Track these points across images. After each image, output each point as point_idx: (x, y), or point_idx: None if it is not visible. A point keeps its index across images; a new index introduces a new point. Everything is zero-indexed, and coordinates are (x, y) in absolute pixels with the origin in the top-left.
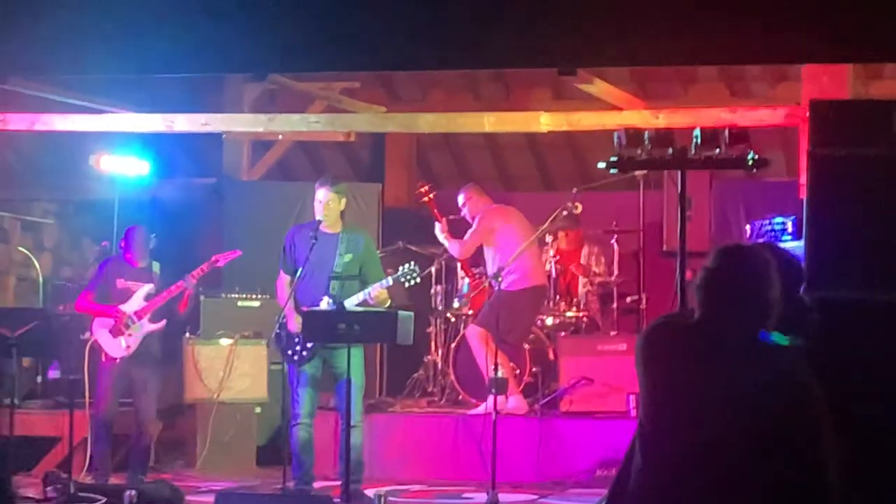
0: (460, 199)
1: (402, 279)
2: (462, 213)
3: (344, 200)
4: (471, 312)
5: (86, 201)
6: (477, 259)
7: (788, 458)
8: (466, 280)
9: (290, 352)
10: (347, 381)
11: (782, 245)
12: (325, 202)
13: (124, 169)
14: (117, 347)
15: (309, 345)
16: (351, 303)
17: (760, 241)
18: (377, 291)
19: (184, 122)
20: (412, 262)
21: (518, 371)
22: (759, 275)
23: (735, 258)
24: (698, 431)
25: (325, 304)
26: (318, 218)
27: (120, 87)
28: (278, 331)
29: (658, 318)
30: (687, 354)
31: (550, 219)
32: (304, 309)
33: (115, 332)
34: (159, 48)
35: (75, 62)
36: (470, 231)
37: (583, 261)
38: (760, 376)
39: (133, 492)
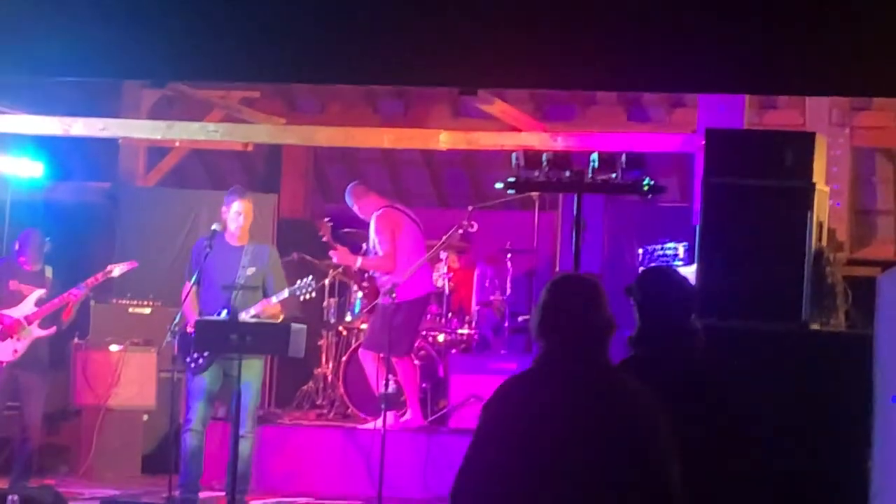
0: (348, 199)
1: (298, 292)
2: (354, 212)
3: (253, 213)
4: (363, 327)
5: None
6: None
7: (635, 471)
8: (359, 294)
9: (187, 359)
10: (237, 391)
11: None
12: (244, 213)
13: (17, 170)
14: (5, 351)
15: (206, 353)
16: (246, 314)
17: (653, 265)
18: (264, 306)
19: (81, 127)
20: (309, 276)
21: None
22: (588, 300)
23: (565, 287)
24: (547, 467)
25: (224, 314)
26: (232, 230)
27: (14, 87)
28: (177, 336)
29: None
30: (535, 394)
31: (446, 236)
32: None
33: (3, 335)
34: (53, 50)
35: None
36: (378, 239)
37: (475, 288)
38: (608, 398)
39: (16, 497)
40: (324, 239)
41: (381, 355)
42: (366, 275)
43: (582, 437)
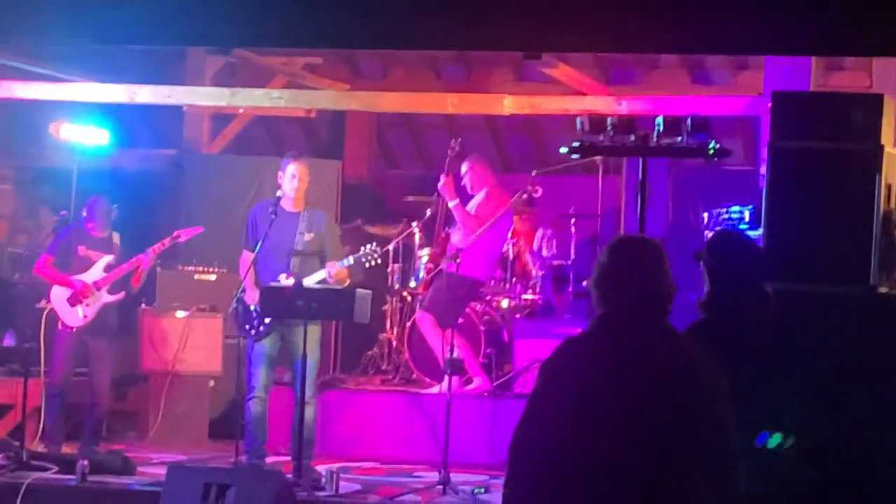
0: (464, 167)
1: (364, 259)
2: (462, 182)
3: (308, 177)
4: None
5: (44, 169)
6: (433, 237)
7: (691, 434)
8: (424, 259)
9: (247, 326)
10: (303, 358)
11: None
12: (300, 177)
13: (84, 138)
14: (74, 317)
15: (266, 320)
16: (310, 280)
17: (722, 228)
18: (336, 270)
19: (147, 94)
20: (374, 243)
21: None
22: (648, 262)
23: (627, 251)
24: (605, 425)
25: (283, 280)
26: (288, 193)
27: (80, 56)
28: (236, 305)
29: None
30: (593, 354)
31: (511, 201)
32: (263, 285)
33: (73, 301)
34: (120, 18)
35: (35, 29)
36: (480, 205)
37: (535, 244)
38: (665, 360)
39: (85, 462)
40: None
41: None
42: (443, 234)
43: (638, 397)
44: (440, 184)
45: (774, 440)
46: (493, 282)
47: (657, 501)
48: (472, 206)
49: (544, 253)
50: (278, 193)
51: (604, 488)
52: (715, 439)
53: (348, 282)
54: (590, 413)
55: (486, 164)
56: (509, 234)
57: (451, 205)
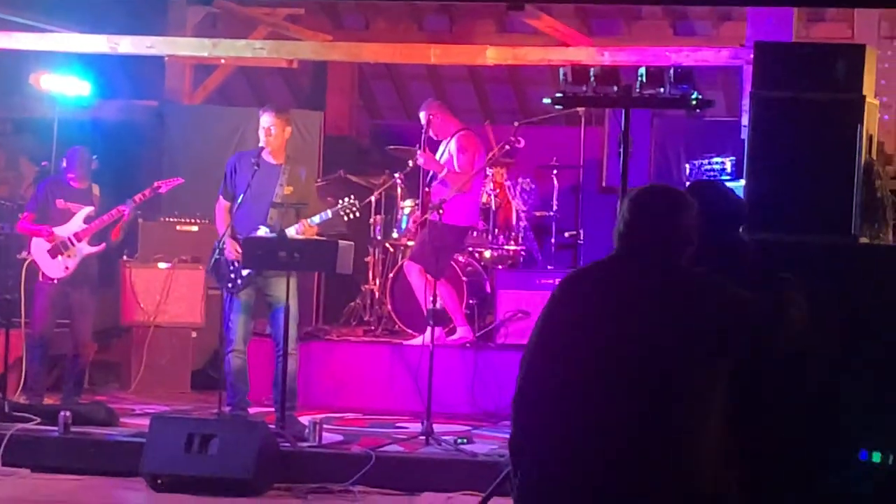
0: (423, 115)
1: (342, 213)
2: (427, 132)
3: (289, 129)
4: (410, 244)
5: (24, 120)
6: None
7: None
8: (406, 210)
9: (224, 280)
10: (285, 309)
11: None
12: (269, 128)
13: (65, 89)
14: (56, 268)
15: (244, 272)
16: (290, 232)
17: (705, 179)
18: (304, 228)
19: (128, 45)
20: (351, 196)
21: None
22: (669, 211)
23: (644, 198)
24: (615, 356)
25: (262, 232)
26: (261, 145)
27: (62, 6)
28: (217, 257)
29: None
30: (606, 287)
31: (493, 152)
32: (241, 236)
33: (54, 252)
34: None
35: None
36: (460, 158)
37: (518, 196)
38: (683, 299)
39: (67, 412)
40: (419, 161)
41: (424, 271)
42: (426, 189)
43: (644, 333)
44: (420, 161)
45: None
46: (475, 233)
47: (659, 440)
48: (448, 155)
49: (520, 206)
50: (261, 144)
51: (614, 421)
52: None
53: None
54: (599, 345)
55: (444, 107)
56: (491, 186)
57: (441, 175)
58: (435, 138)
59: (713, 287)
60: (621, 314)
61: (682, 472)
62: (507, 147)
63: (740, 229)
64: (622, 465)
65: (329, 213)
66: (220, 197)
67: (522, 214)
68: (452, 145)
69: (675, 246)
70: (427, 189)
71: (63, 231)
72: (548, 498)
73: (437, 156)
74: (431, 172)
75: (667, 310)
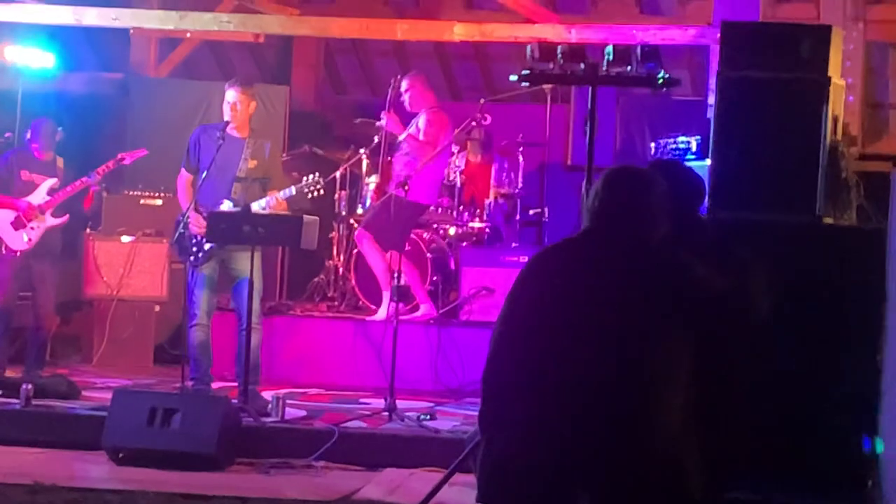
0: (403, 85)
1: (306, 190)
2: (401, 100)
3: (254, 104)
4: None
5: None
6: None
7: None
8: (371, 186)
9: (187, 254)
10: (249, 283)
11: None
12: (234, 103)
13: (29, 60)
14: (18, 240)
15: (206, 246)
16: (255, 206)
17: (665, 158)
18: (275, 202)
19: (94, 17)
20: (316, 173)
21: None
22: (647, 191)
23: (623, 177)
24: (583, 330)
25: (225, 206)
26: (225, 119)
27: None
28: (181, 231)
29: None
30: (577, 263)
31: (460, 128)
32: (205, 210)
33: (17, 224)
34: None
35: None
36: (427, 130)
37: (493, 178)
38: (651, 275)
39: (29, 385)
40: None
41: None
42: (388, 159)
43: (618, 302)
44: (383, 122)
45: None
46: (440, 209)
47: (627, 411)
48: (417, 129)
49: (504, 190)
50: (226, 119)
51: (577, 390)
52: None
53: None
54: (569, 318)
55: (425, 81)
56: (459, 163)
57: (401, 138)
58: (408, 109)
59: (681, 265)
60: (592, 289)
61: (646, 440)
62: (473, 124)
63: (696, 209)
64: (589, 435)
65: (293, 189)
66: (183, 170)
67: (500, 198)
68: (421, 119)
69: (647, 225)
70: (389, 159)
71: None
72: (516, 469)
73: (411, 129)
74: (396, 143)
75: (635, 286)
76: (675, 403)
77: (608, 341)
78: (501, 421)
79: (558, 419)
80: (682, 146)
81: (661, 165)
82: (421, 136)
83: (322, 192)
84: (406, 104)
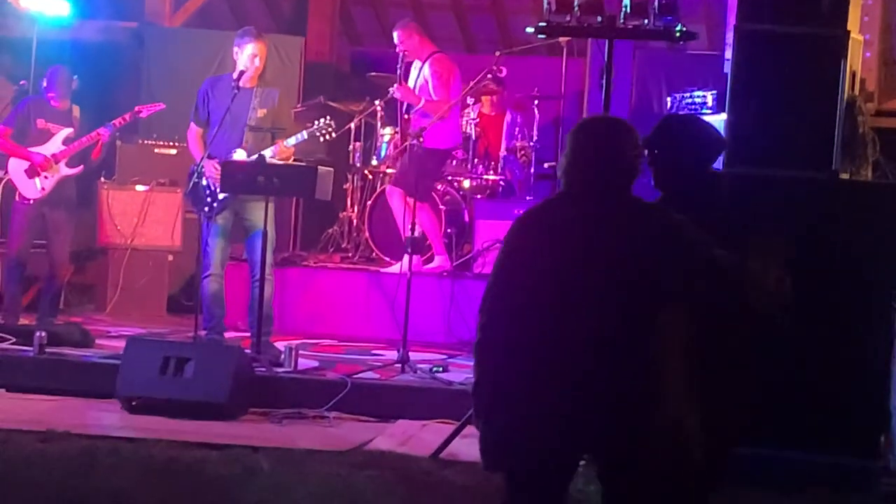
0: (397, 35)
1: (318, 133)
2: (400, 51)
3: (266, 55)
4: (389, 171)
5: (2, 39)
6: (396, 115)
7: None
8: (386, 137)
9: (202, 203)
10: (263, 234)
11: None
12: (260, 55)
13: (44, 8)
14: (32, 189)
15: (220, 196)
16: (267, 155)
17: (681, 112)
18: (279, 149)
19: None
20: (327, 117)
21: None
22: (617, 140)
23: (593, 129)
24: (578, 289)
25: (238, 155)
26: (247, 72)
27: None
28: (196, 181)
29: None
30: (562, 218)
31: (475, 81)
32: (217, 161)
33: (31, 172)
34: None
35: None
36: (435, 83)
37: (504, 132)
38: (632, 226)
39: (43, 333)
40: (396, 94)
41: (408, 197)
42: (405, 116)
43: (606, 262)
44: (396, 94)
45: None
46: (455, 162)
47: (626, 367)
48: (423, 81)
49: (517, 144)
50: (241, 67)
51: (575, 352)
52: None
53: (291, 160)
54: (558, 280)
55: (419, 29)
56: (474, 115)
57: (418, 106)
58: (407, 59)
59: (667, 217)
60: (585, 251)
61: (645, 400)
62: (489, 76)
63: (708, 163)
64: (588, 396)
65: (305, 133)
66: (192, 124)
67: (511, 152)
68: (426, 70)
69: (625, 176)
70: (406, 116)
71: (42, 151)
72: (517, 438)
73: (412, 80)
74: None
75: (623, 240)
76: (673, 363)
77: (603, 302)
78: (500, 391)
79: (557, 383)
80: (698, 100)
81: (677, 120)
82: (432, 93)
83: (334, 135)
84: (404, 56)
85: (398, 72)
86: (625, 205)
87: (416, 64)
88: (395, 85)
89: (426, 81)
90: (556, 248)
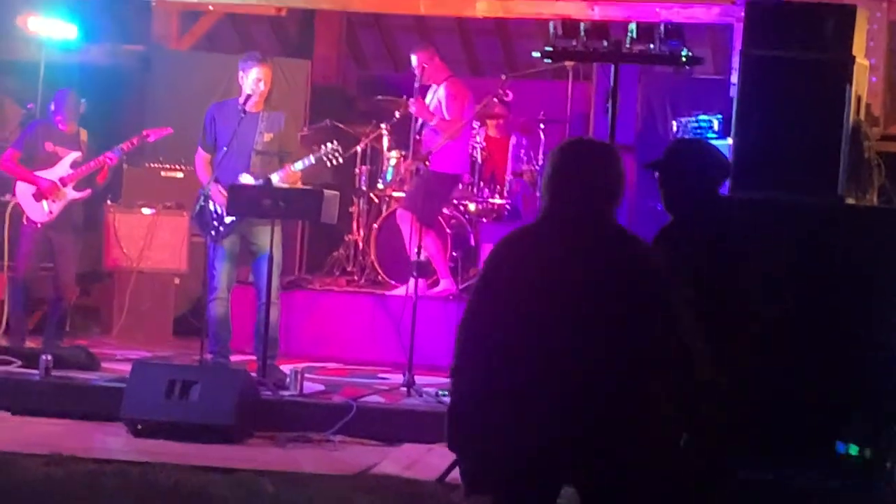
0: (415, 60)
1: (325, 158)
2: (419, 76)
3: (272, 79)
4: (395, 194)
5: (10, 62)
6: (402, 139)
7: (642, 326)
8: (392, 161)
9: (209, 227)
10: (270, 258)
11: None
12: (264, 79)
13: (51, 31)
14: (40, 212)
15: (227, 220)
16: (273, 179)
17: (687, 137)
18: (287, 173)
19: None
20: (334, 141)
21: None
22: (596, 162)
23: (574, 150)
24: (556, 316)
25: (245, 179)
26: (252, 96)
27: None
28: (202, 204)
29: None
30: (541, 245)
31: (481, 105)
32: (224, 185)
33: (39, 196)
34: None
35: None
36: (450, 105)
37: (510, 155)
38: (609, 255)
39: (49, 356)
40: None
41: (415, 222)
42: (417, 137)
43: (583, 290)
44: (412, 108)
45: (853, 449)
46: (461, 185)
47: (605, 394)
48: (437, 102)
49: (524, 167)
50: (247, 92)
51: (551, 381)
52: (664, 330)
53: (299, 184)
54: (536, 307)
55: (435, 53)
56: (480, 139)
57: (431, 123)
58: (423, 82)
59: (638, 248)
60: (563, 276)
61: (626, 419)
62: (496, 100)
63: (715, 187)
64: (568, 423)
65: (312, 158)
66: (200, 149)
67: (519, 175)
68: (441, 92)
69: (604, 198)
70: (418, 137)
71: (49, 175)
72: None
73: (426, 101)
74: (421, 121)
75: (596, 268)
76: (655, 386)
77: (578, 328)
78: (476, 417)
79: (534, 409)
80: (703, 125)
81: (685, 143)
82: (445, 114)
83: (341, 160)
84: (420, 80)
85: (414, 94)
86: (602, 230)
87: (432, 88)
88: (412, 99)
89: (440, 103)
90: (531, 275)
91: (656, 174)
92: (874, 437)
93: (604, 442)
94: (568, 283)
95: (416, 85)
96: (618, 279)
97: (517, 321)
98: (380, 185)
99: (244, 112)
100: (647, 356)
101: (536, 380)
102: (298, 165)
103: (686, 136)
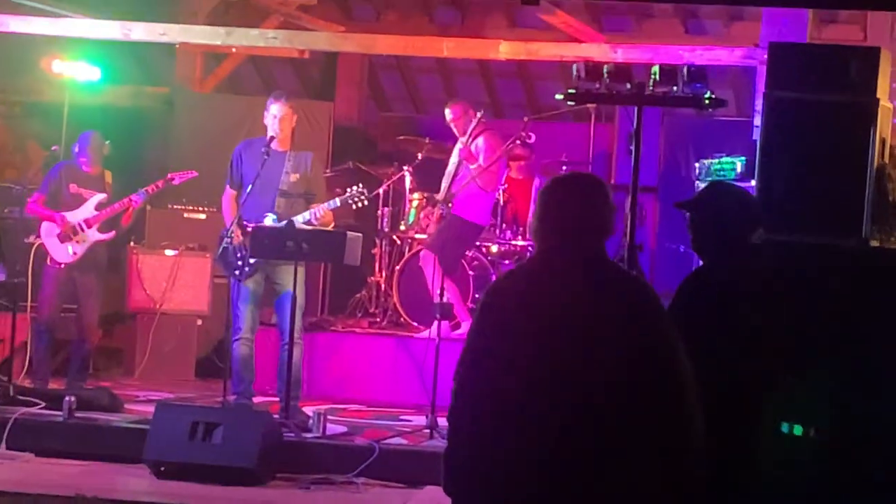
0: (448, 113)
1: (350, 201)
2: (454, 127)
3: (295, 117)
4: (418, 236)
5: (34, 104)
6: (424, 180)
7: (645, 375)
8: (415, 203)
9: (232, 266)
10: (293, 299)
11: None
12: (281, 117)
13: (75, 73)
14: (64, 253)
15: (252, 260)
16: (297, 221)
17: (710, 179)
18: (322, 212)
19: (141, 32)
20: (360, 185)
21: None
22: (587, 197)
23: (565, 186)
24: (549, 364)
25: (269, 220)
26: (271, 133)
27: None
28: (226, 245)
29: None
30: (534, 287)
31: (504, 147)
32: (248, 225)
33: (63, 237)
34: None
35: None
36: (487, 154)
37: (533, 194)
38: (605, 293)
39: (72, 397)
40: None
41: (437, 264)
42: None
43: (581, 331)
44: (462, 150)
45: (798, 429)
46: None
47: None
48: (477, 149)
49: None
50: (271, 133)
51: (547, 427)
52: (667, 368)
53: (332, 224)
54: (530, 353)
55: (469, 106)
56: (502, 181)
57: (472, 167)
58: (458, 134)
59: (642, 286)
60: (553, 320)
61: (617, 485)
62: (518, 142)
63: (750, 231)
64: (559, 479)
65: (337, 200)
66: (227, 187)
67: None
68: (480, 142)
69: (596, 232)
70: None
71: (74, 217)
72: None
73: (454, 153)
74: (455, 164)
75: (591, 308)
76: (651, 438)
77: (573, 372)
78: (473, 461)
79: (525, 461)
80: (726, 167)
81: (719, 186)
82: (481, 160)
83: (367, 202)
84: (455, 128)
85: (467, 134)
86: (597, 268)
87: (467, 138)
88: (461, 140)
89: (477, 150)
90: (524, 316)
91: (686, 215)
92: None
93: (603, 493)
94: (557, 321)
95: (468, 133)
96: (618, 326)
97: (510, 372)
98: (402, 227)
99: (268, 153)
100: (641, 407)
101: (530, 423)
102: (326, 206)
103: (718, 179)
